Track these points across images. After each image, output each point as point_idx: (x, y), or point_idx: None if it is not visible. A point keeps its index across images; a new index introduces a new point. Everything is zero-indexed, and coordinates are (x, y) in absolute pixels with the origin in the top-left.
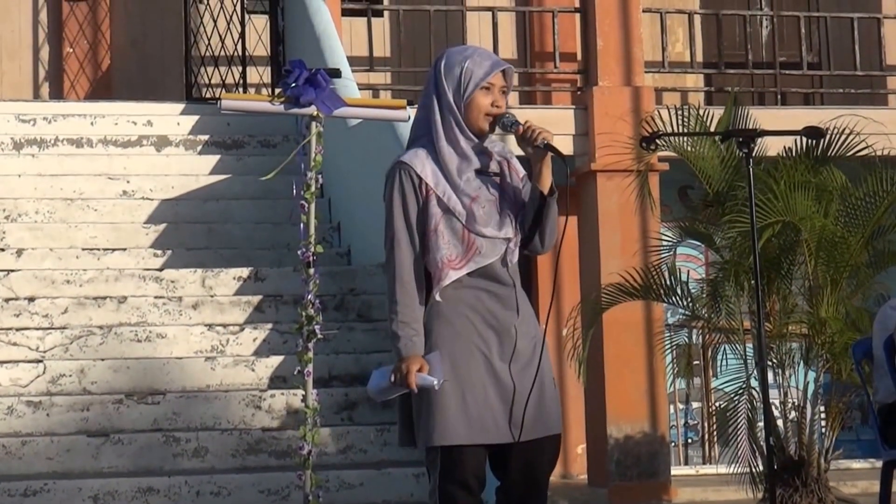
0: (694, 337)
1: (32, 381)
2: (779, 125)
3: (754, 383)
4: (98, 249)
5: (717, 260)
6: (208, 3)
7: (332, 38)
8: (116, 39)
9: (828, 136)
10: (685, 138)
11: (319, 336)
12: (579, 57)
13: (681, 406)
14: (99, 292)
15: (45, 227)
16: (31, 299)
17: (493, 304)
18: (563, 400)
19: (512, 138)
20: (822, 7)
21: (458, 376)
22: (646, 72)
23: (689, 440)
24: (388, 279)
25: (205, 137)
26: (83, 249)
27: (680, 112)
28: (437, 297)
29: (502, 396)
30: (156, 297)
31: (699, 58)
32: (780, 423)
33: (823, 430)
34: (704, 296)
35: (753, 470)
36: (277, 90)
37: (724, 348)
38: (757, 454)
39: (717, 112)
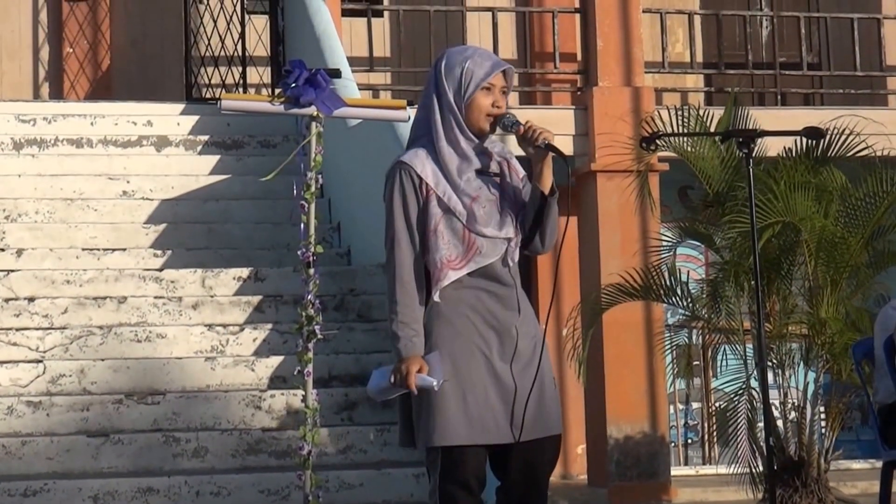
0: (694, 337)
1: (32, 381)
2: (779, 125)
3: (754, 384)
4: (98, 249)
5: (717, 260)
6: (208, 4)
7: (332, 38)
8: (116, 39)
9: (828, 137)
10: (685, 139)
11: (319, 336)
12: (579, 57)
13: (681, 406)
14: (99, 292)
15: (45, 227)
16: (31, 299)
17: (493, 305)
18: (563, 400)
19: (512, 138)
20: (822, 7)
21: (458, 376)
22: (646, 72)
23: (689, 440)
24: (388, 279)
25: (205, 138)
26: (83, 249)
27: (680, 112)
28: (437, 298)
29: (503, 397)
30: (156, 298)
31: (699, 58)
32: (780, 423)
33: (823, 430)
34: (704, 296)
35: (753, 470)
36: (277, 90)
37: (724, 349)
38: (757, 454)
39: (717, 112)
